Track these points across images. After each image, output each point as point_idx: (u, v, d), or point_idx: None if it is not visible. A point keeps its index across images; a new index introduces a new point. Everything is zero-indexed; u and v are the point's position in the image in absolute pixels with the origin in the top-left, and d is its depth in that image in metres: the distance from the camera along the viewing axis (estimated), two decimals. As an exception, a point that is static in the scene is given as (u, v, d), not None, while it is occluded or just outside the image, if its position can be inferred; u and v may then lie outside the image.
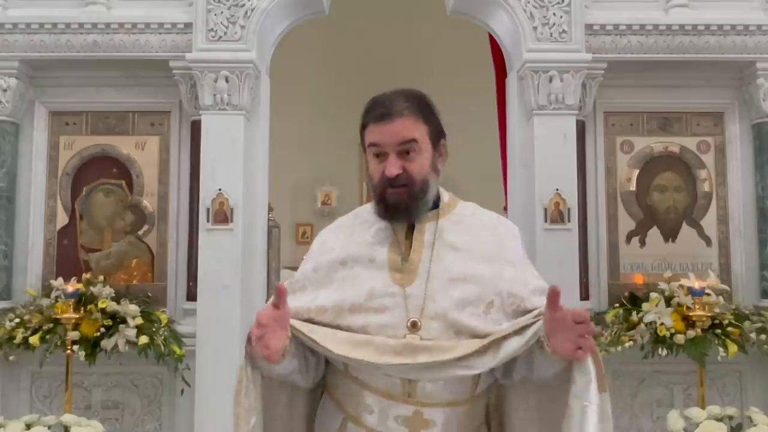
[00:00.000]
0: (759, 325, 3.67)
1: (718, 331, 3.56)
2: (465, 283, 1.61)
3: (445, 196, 1.75)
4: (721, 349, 3.52)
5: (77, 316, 3.51)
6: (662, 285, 3.74)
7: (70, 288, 3.57)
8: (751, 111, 4.05)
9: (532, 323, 1.54)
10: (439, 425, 1.61)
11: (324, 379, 1.76)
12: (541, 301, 1.55)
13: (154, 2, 3.94)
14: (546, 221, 3.77)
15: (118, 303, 3.66)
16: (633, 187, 4.10)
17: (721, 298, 3.67)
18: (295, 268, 1.95)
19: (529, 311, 1.59)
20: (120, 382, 3.89)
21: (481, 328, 1.57)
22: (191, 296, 3.87)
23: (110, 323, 3.59)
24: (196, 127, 3.91)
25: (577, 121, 3.90)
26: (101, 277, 3.84)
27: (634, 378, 3.93)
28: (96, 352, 3.57)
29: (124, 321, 3.61)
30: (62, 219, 4.02)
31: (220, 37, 3.82)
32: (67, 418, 3.38)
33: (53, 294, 3.72)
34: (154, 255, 4.01)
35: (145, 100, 4.06)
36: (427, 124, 1.65)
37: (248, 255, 3.86)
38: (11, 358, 3.65)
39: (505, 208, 4.75)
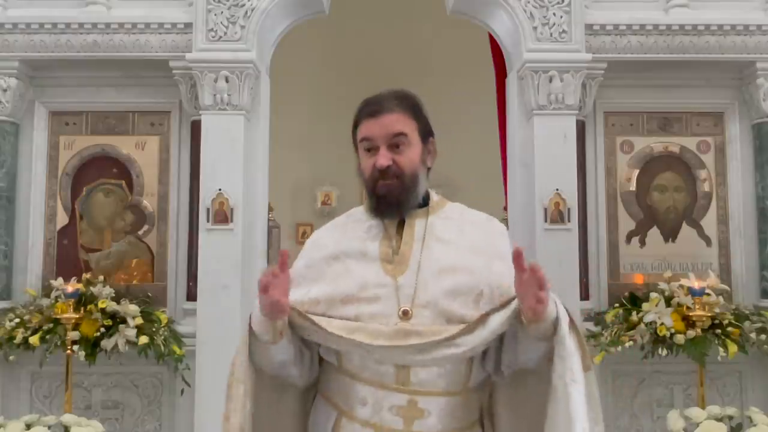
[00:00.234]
0: (759, 325, 3.67)
1: (718, 331, 3.56)
2: (455, 274, 1.64)
3: (435, 197, 1.80)
4: (721, 349, 3.52)
5: (77, 316, 3.51)
6: (662, 285, 3.74)
7: (70, 288, 3.57)
8: (751, 111, 4.05)
9: (513, 298, 1.57)
10: (434, 415, 1.62)
11: (317, 381, 1.78)
12: None
13: (154, 2, 3.94)
14: (546, 221, 3.77)
15: (118, 303, 3.66)
16: (633, 187, 4.10)
17: (721, 298, 3.67)
18: (295, 269, 1.96)
19: None
20: (120, 382, 3.89)
21: (471, 317, 1.59)
22: (191, 296, 3.87)
23: (110, 323, 3.60)
24: (196, 127, 3.92)
25: (577, 121, 3.90)
26: (101, 277, 3.85)
27: (634, 378, 3.93)
28: (96, 352, 3.57)
29: (124, 321, 3.61)
30: (62, 219, 4.03)
31: (220, 37, 3.82)
32: (67, 418, 3.39)
33: (53, 294, 3.72)
34: (154, 255, 4.01)
35: (145, 100, 4.06)
36: (417, 121, 1.71)
37: (248, 255, 3.86)
38: (11, 358, 3.65)
39: (505, 208, 4.75)
